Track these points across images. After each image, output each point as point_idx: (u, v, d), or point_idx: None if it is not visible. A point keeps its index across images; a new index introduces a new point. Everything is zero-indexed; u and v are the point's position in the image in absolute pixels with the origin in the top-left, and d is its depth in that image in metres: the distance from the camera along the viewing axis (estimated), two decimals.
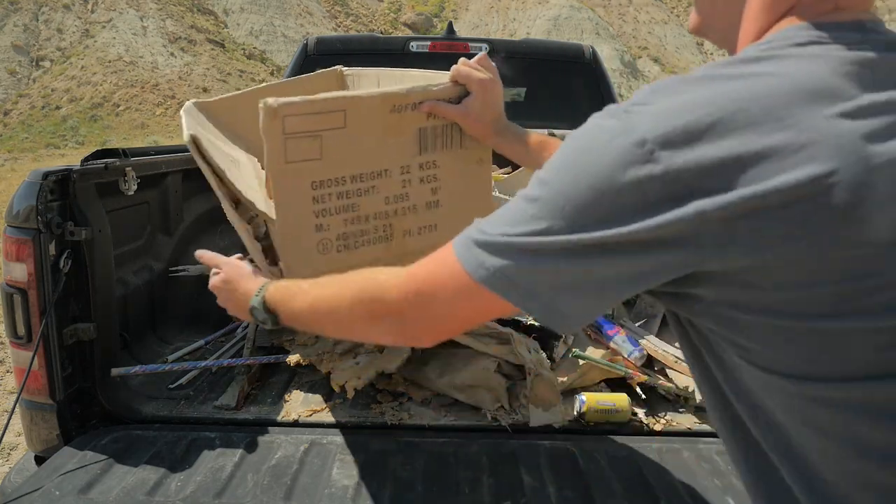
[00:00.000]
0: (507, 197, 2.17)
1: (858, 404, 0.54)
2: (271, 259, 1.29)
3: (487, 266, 0.61)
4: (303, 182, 1.18)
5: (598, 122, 0.59)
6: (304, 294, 0.84)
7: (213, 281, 1.12)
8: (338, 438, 1.49)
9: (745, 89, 0.53)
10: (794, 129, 0.51)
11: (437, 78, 1.30)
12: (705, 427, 1.60)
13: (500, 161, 2.75)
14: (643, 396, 1.69)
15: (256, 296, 0.94)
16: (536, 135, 1.32)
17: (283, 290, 0.91)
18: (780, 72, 0.54)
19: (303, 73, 3.35)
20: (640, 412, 1.64)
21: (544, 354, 1.68)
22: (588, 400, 1.60)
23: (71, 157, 16.49)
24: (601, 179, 0.54)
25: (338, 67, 1.84)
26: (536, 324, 1.76)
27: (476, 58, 1.24)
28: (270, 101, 1.11)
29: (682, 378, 1.71)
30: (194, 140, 1.18)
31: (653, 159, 0.52)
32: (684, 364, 1.71)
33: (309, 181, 1.19)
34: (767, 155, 0.50)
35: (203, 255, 1.21)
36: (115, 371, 1.63)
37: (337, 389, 1.65)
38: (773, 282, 0.53)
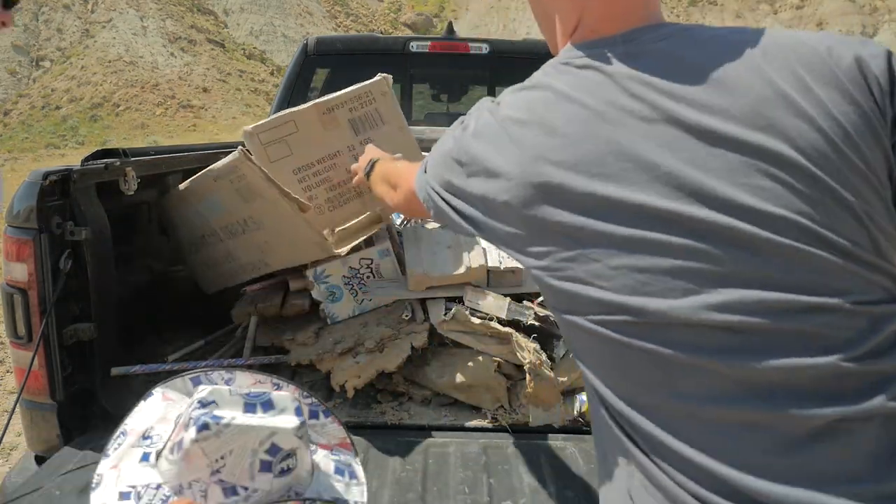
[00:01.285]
0: None
1: (595, 329, 0.69)
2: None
3: (418, 181, 0.93)
4: (286, 171, 1.76)
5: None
6: (380, 172, 1.38)
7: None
8: None
9: (497, 118, 0.78)
10: (515, 145, 0.73)
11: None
12: None
13: None
14: None
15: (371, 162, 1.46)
16: None
17: (379, 169, 1.41)
18: (513, 101, 0.78)
19: (303, 74, 3.36)
20: None
21: (544, 354, 1.68)
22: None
23: (71, 157, 16.50)
24: (442, 154, 0.85)
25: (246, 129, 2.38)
26: (536, 324, 1.76)
27: None
28: (247, 127, 1.72)
29: None
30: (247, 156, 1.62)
31: (460, 162, 0.80)
32: None
33: (290, 170, 1.77)
34: (489, 161, 0.75)
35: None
36: (115, 371, 1.63)
37: (337, 389, 1.65)
38: (522, 245, 0.74)
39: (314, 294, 1.92)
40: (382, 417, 1.60)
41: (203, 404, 1.01)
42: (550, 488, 1.32)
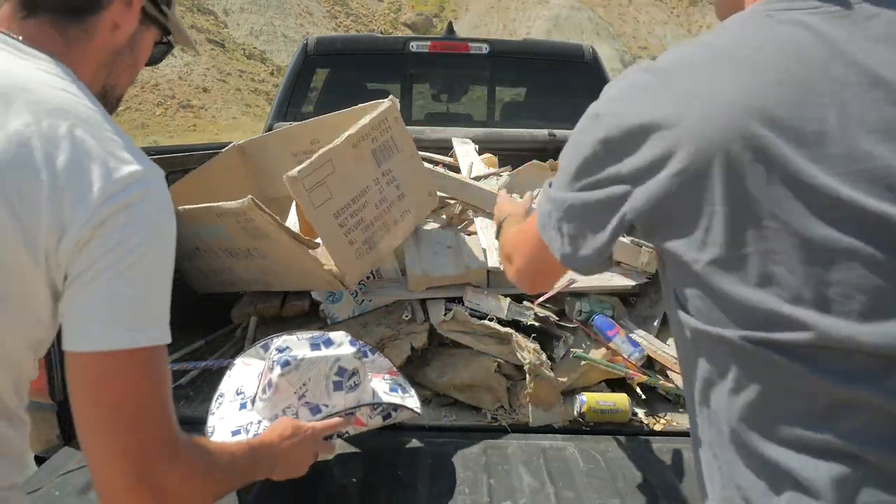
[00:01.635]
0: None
1: (747, 346, 0.59)
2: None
3: (541, 213, 0.77)
4: (328, 217, 1.67)
5: None
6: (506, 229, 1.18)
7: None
8: (338, 439, 1.49)
9: None
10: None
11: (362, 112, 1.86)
12: None
13: (501, 161, 2.75)
14: (643, 396, 1.69)
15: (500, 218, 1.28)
16: None
17: (503, 236, 1.21)
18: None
19: (303, 74, 3.36)
20: (640, 412, 1.64)
21: (544, 354, 1.68)
22: (588, 400, 1.60)
23: None
24: (575, 150, 0.71)
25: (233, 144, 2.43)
26: (536, 324, 1.76)
27: None
28: (290, 172, 1.58)
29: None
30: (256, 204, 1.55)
31: (607, 140, 0.66)
32: None
33: (331, 214, 1.67)
34: (652, 117, 0.63)
35: None
36: None
37: None
38: (679, 232, 0.62)
39: (314, 294, 1.92)
40: None
41: (280, 350, 1.33)
42: (550, 488, 1.32)
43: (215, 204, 1.64)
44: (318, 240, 1.72)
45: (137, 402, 0.75)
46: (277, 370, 1.28)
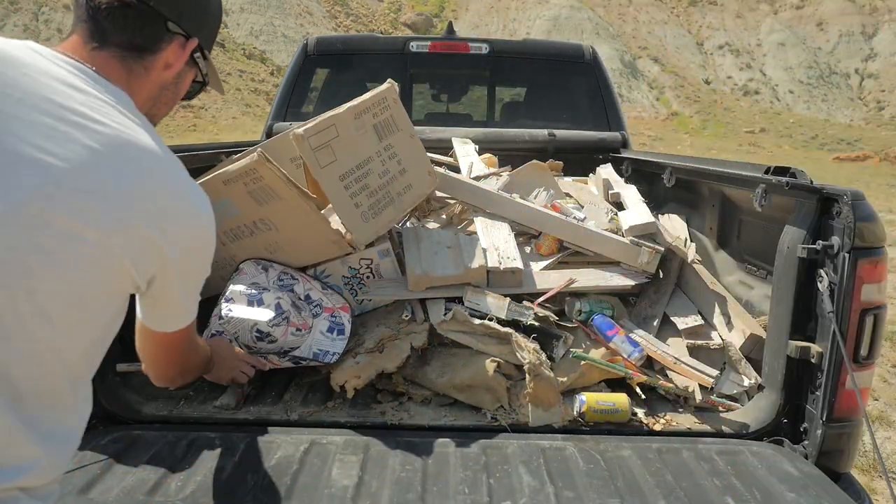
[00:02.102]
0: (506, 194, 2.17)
1: None
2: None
3: None
4: (334, 178, 1.76)
5: None
6: None
7: None
8: (338, 438, 1.49)
9: None
10: None
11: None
12: (705, 427, 1.60)
13: (501, 161, 2.75)
14: (643, 396, 1.69)
15: None
16: None
17: None
18: None
19: (303, 73, 3.37)
20: (640, 412, 1.64)
21: (544, 354, 1.68)
22: (588, 400, 1.60)
23: None
24: None
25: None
26: (536, 324, 1.76)
27: None
28: (296, 130, 1.67)
29: (682, 378, 1.71)
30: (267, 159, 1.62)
31: None
32: (683, 364, 1.71)
33: (337, 176, 1.76)
34: None
35: None
36: (120, 367, 1.64)
37: (337, 389, 1.65)
38: None
39: None
40: (382, 417, 1.60)
41: (227, 300, 1.71)
42: (550, 488, 1.32)
43: (221, 170, 1.66)
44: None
45: (184, 347, 1.20)
46: (216, 319, 1.66)
